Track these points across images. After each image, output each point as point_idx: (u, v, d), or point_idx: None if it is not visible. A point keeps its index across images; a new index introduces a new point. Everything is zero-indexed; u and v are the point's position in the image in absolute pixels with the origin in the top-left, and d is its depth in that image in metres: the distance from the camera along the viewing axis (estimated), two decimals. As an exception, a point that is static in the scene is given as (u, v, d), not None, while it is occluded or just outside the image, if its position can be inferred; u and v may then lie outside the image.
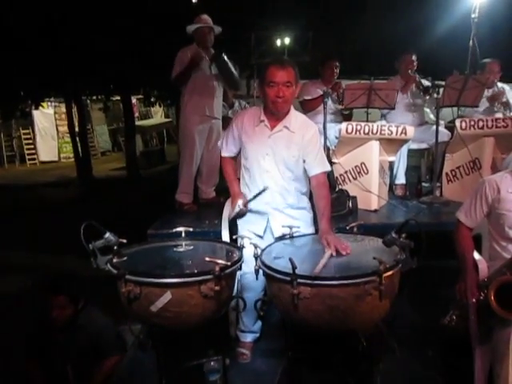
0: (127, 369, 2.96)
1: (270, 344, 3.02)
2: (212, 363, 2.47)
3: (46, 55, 7.78)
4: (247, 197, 2.72)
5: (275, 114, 2.58)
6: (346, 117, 4.82)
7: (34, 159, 16.51)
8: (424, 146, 4.77)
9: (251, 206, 2.73)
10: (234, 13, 7.44)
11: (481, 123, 3.93)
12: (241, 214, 2.73)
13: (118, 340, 3.04)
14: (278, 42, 6.19)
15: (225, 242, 2.71)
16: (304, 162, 2.62)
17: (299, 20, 7.40)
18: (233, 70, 4.11)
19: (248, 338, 2.99)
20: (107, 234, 2.15)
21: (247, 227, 2.76)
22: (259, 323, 3.00)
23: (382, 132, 3.85)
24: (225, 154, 2.84)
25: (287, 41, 6.05)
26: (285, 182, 2.64)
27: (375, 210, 3.96)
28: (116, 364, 2.96)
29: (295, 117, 2.62)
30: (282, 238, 2.56)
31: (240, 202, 2.67)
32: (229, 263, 2.06)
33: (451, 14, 6.13)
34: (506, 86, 4.94)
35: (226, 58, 4.03)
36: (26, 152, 16.43)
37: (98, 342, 2.92)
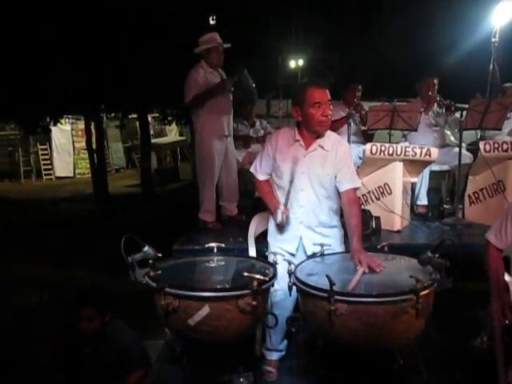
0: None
1: (296, 362, 3.03)
2: (241, 379, 2.48)
3: (70, 75, 7.96)
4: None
5: (320, 134, 2.64)
6: (368, 137, 4.85)
7: (50, 174, 16.73)
8: (445, 167, 4.76)
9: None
10: (259, 35, 7.58)
11: (505, 146, 3.95)
12: (284, 221, 2.66)
13: (143, 354, 3.04)
14: (302, 63, 6.24)
15: (257, 258, 2.74)
16: (335, 178, 2.66)
17: (322, 42, 7.52)
18: (251, 84, 4.15)
19: (274, 356, 2.98)
20: (146, 248, 2.19)
21: (279, 245, 2.78)
22: (285, 342, 3.00)
23: (406, 153, 3.87)
24: (261, 176, 2.85)
25: (311, 62, 6.09)
26: (318, 199, 2.68)
27: (398, 231, 3.97)
28: (141, 379, 2.95)
29: (328, 136, 2.68)
30: (313, 255, 2.60)
31: (281, 208, 2.60)
32: (266, 278, 2.09)
33: (471, 39, 6.20)
34: (526, 110, 4.95)
35: (247, 74, 4.08)
36: (43, 167, 16.66)
37: (124, 355, 2.89)
